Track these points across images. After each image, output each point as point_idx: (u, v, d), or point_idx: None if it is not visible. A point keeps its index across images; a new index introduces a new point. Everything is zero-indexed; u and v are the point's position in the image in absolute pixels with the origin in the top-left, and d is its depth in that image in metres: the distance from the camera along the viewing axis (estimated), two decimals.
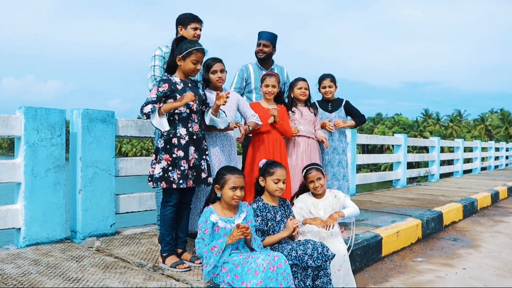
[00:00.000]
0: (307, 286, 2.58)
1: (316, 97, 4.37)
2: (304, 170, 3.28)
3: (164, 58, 3.52)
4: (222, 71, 3.39)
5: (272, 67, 4.35)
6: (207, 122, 3.04)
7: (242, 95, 4.16)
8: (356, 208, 3.23)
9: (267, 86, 3.71)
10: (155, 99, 2.80)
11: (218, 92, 3.03)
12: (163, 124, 2.78)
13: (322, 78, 4.31)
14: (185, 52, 2.88)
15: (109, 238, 3.67)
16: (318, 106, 4.29)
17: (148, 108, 2.77)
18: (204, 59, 3.19)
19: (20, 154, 3.38)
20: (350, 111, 4.41)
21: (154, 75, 3.49)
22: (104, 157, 3.77)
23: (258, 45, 4.23)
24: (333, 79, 4.29)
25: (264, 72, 4.10)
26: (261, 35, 4.24)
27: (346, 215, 3.16)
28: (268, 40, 4.21)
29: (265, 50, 4.20)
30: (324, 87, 4.29)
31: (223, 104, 2.99)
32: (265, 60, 4.27)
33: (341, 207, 3.21)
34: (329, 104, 4.35)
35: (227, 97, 2.99)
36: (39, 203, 3.41)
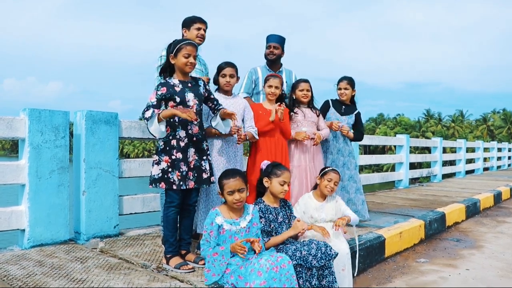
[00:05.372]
0: (312, 286, 2.60)
1: (332, 96, 4.48)
2: (327, 168, 3.39)
3: None
4: (232, 76, 3.41)
5: (281, 69, 4.39)
6: (213, 124, 3.09)
7: (250, 97, 4.24)
8: (356, 217, 3.37)
9: (270, 86, 3.71)
10: (155, 103, 2.82)
11: (234, 115, 3.05)
12: (161, 130, 2.78)
13: (340, 80, 4.40)
14: (175, 49, 2.89)
15: (112, 239, 3.69)
16: (331, 105, 4.38)
17: (149, 113, 2.77)
18: (202, 56, 3.10)
19: (24, 156, 3.40)
20: (357, 123, 4.46)
21: (159, 76, 3.51)
22: (107, 159, 3.78)
23: (268, 47, 4.29)
24: (350, 82, 4.37)
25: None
26: (271, 37, 4.32)
27: (351, 221, 3.27)
28: (277, 42, 4.30)
29: (275, 52, 4.28)
30: (340, 89, 4.38)
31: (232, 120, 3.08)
32: (274, 63, 4.33)
33: (342, 213, 3.34)
34: (343, 106, 4.40)
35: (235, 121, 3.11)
36: (43, 205, 3.43)
